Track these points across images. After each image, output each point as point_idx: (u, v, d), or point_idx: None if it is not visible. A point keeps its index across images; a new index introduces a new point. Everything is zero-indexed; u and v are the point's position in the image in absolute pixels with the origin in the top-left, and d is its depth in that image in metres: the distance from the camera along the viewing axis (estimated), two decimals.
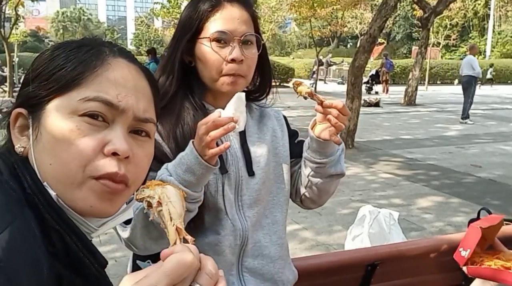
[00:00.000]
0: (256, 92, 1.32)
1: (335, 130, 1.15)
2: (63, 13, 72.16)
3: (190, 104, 1.20)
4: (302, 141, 1.32)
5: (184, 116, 1.18)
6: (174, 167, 1.05)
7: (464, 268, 1.39)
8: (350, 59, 11.73)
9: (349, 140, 8.02)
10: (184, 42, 1.18)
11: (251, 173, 1.23)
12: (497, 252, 1.46)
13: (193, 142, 1.04)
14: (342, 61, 27.63)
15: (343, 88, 10.44)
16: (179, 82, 1.20)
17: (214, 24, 1.15)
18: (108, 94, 0.66)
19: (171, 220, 0.59)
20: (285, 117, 1.40)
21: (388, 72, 20.11)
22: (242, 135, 1.24)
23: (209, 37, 1.15)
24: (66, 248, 0.64)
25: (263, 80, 1.31)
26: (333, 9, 21.74)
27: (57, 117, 0.65)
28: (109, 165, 0.65)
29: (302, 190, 1.33)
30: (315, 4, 19.32)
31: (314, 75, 24.08)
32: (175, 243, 0.57)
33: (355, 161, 7.09)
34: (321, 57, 24.41)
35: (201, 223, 1.17)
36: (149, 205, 0.62)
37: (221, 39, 1.15)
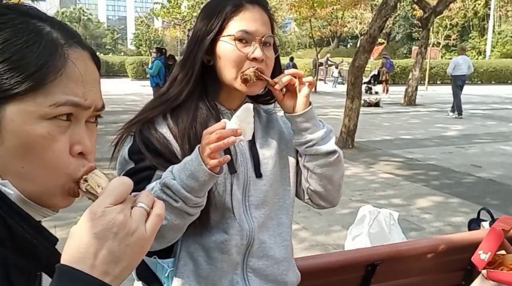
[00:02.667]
0: (266, 95, 1.32)
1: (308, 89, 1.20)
2: (63, 13, 72.17)
3: (203, 105, 1.21)
4: None
5: (198, 116, 1.19)
6: (178, 171, 1.06)
7: (484, 272, 1.33)
8: (350, 59, 11.72)
9: (349, 140, 8.02)
10: (207, 41, 1.18)
11: (258, 174, 1.23)
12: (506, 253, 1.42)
13: (199, 148, 1.05)
14: (342, 61, 27.62)
15: (343, 88, 10.43)
16: (197, 81, 1.21)
17: (237, 24, 1.17)
18: (76, 96, 0.63)
19: (98, 186, 0.63)
20: None
21: (388, 72, 20.11)
22: (251, 137, 1.25)
23: (233, 35, 1.16)
24: (10, 231, 0.62)
25: None
26: (333, 9, 21.77)
27: (24, 122, 0.61)
28: (80, 166, 0.65)
29: (306, 184, 1.31)
30: (315, 4, 19.33)
31: (335, 74, 24.16)
32: None
33: (355, 161, 7.08)
34: (320, 58, 24.39)
35: (207, 221, 1.17)
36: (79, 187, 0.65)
37: (244, 39, 1.16)
